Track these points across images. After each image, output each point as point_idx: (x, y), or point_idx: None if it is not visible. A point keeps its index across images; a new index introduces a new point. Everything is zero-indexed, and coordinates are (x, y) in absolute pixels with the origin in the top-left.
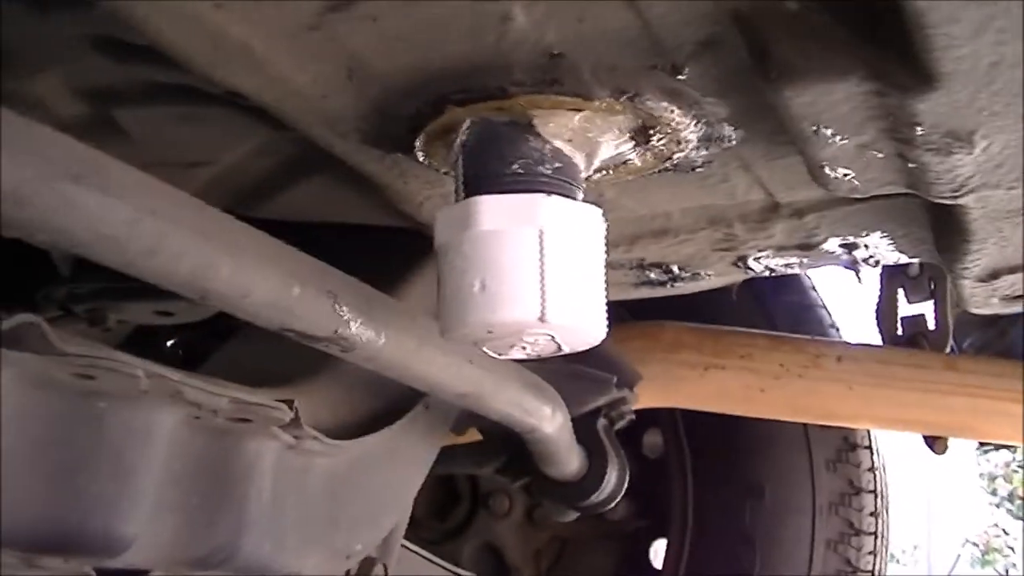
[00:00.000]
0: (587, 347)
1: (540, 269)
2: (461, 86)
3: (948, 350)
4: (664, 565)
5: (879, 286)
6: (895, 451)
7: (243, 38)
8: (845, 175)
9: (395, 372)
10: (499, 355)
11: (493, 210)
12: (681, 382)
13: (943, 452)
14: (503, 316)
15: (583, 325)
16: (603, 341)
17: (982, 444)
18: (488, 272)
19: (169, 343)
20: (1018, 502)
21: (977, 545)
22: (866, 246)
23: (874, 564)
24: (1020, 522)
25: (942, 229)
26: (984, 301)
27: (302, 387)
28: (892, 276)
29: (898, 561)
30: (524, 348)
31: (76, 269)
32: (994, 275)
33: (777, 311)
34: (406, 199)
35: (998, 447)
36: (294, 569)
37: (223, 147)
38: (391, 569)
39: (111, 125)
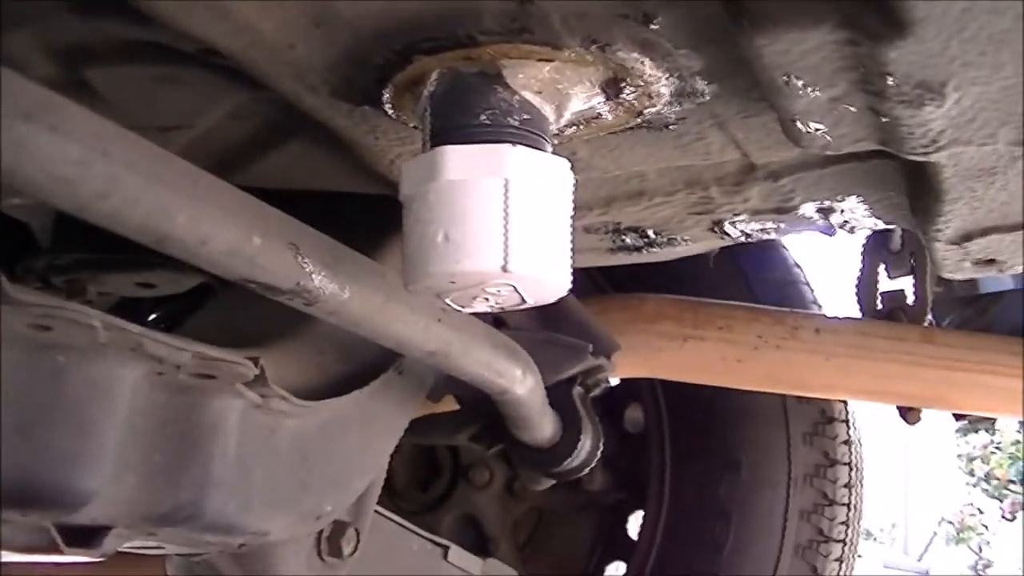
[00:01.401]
0: (551, 299)
1: (504, 220)
2: (430, 34)
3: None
4: (639, 536)
5: (860, 261)
6: (876, 432)
7: None
8: (817, 130)
9: (361, 328)
10: (463, 307)
11: (458, 160)
12: (661, 353)
13: (916, 422)
14: (466, 266)
15: (546, 276)
16: (581, 311)
17: (959, 418)
18: (452, 222)
19: (152, 316)
20: (994, 482)
21: (952, 524)
22: (842, 211)
23: (846, 534)
24: (995, 501)
25: (916, 191)
26: (956, 265)
27: (271, 347)
28: (873, 251)
29: (876, 539)
30: (487, 300)
31: (56, 240)
32: (967, 237)
33: (759, 287)
34: (377, 157)
35: (976, 429)
36: (261, 528)
37: (198, 110)
38: (364, 534)
39: (85, 87)
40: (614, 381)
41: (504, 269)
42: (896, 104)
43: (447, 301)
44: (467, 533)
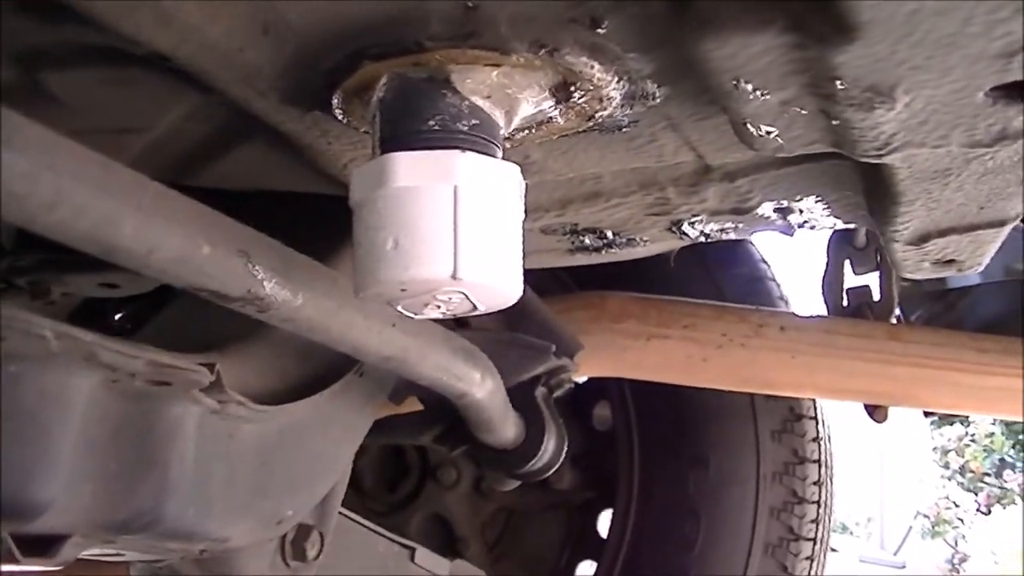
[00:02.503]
0: (503, 306)
1: (454, 226)
2: (377, 40)
3: (897, 322)
4: (609, 535)
5: (826, 257)
6: (850, 427)
7: None
8: (769, 132)
9: (315, 333)
10: (414, 314)
11: (407, 167)
12: (625, 352)
13: (883, 420)
14: (415, 274)
15: (497, 283)
16: (544, 310)
17: (928, 414)
18: (401, 229)
19: (117, 316)
20: (970, 475)
21: (928, 517)
22: (800, 210)
23: (816, 531)
24: (971, 495)
25: (872, 192)
26: (916, 266)
27: (230, 352)
28: (839, 247)
29: (852, 533)
30: (439, 307)
31: (19, 242)
32: (924, 238)
33: (726, 283)
34: (331, 161)
35: (951, 422)
36: (221, 534)
37: (155, 112)
38: (328, 536)
39: (42, 91)
40: (582, 379)
41: (454, 276)
42: (846, 107)
43: (398, 308)
44: (436, 533)
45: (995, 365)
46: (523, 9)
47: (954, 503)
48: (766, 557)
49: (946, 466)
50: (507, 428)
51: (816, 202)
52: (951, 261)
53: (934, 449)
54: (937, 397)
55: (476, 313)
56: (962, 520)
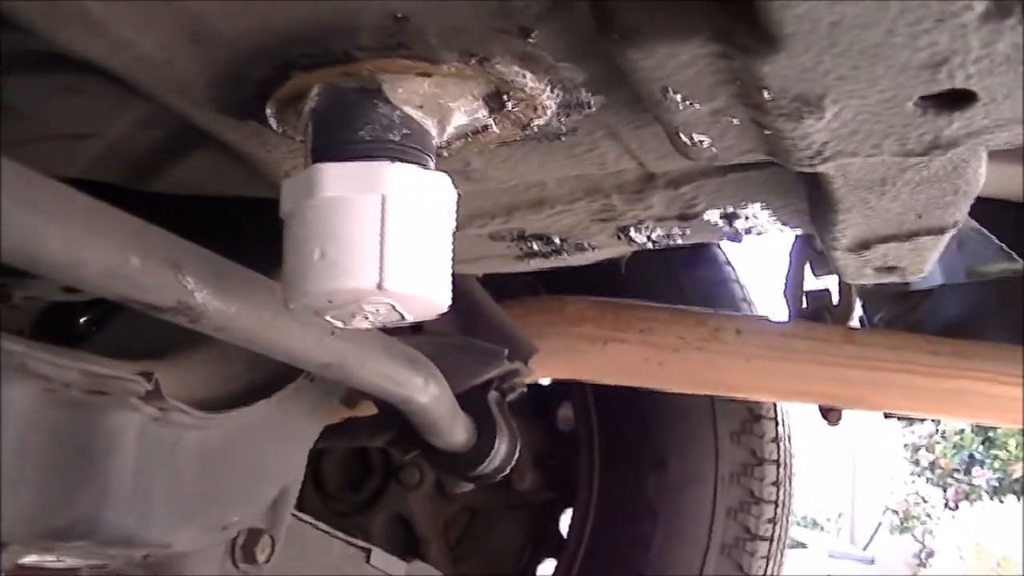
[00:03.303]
0: (431, 316)
1: (380, 237)
2: (307, 50)
3: (859, 324)
4: (569, 534)
5: (788, 260)
6: (821, 423)
7: (96, 11)
8: (702, 142)
9: (251, 343)
10: (343, 324)
11: (336, 177)
12: (583, 355)
13: (836, 423)
14: (341, 285)
15: (423, 294)
16: (500, 314)
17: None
18: (328, 240)
19: (82, 320)
20: (938, 471)
21: (897, 513)
22: (746, 217)
23: (774, 531)
24: (940, 490)
25: (812, 199)
26: (858, 272)
27: (175, 359)
28: (800, 250)
29: (822, 528)
30: (367, 317)
31: None
32: (864, 245)
33: (689, 286)
34: (272, 169)
35: (922, 419)
36: (162, 540)
37: (107, 119)
38: (280, 540)
39: None
40: (545, 382)
41: (379, 287)
42: (776, 117)
43: (327, 318)
44: (399, 534)
45: (949, 368)
46: (452, 19)
47: (923, 499)
48: (723, 557)
49: (916, 463)
50: (457, 432)
51: (762, 209)
52: (893, 268)
53: (904, 446)
54: (892, 400)
55: (404, 323)
56: (930, 516)
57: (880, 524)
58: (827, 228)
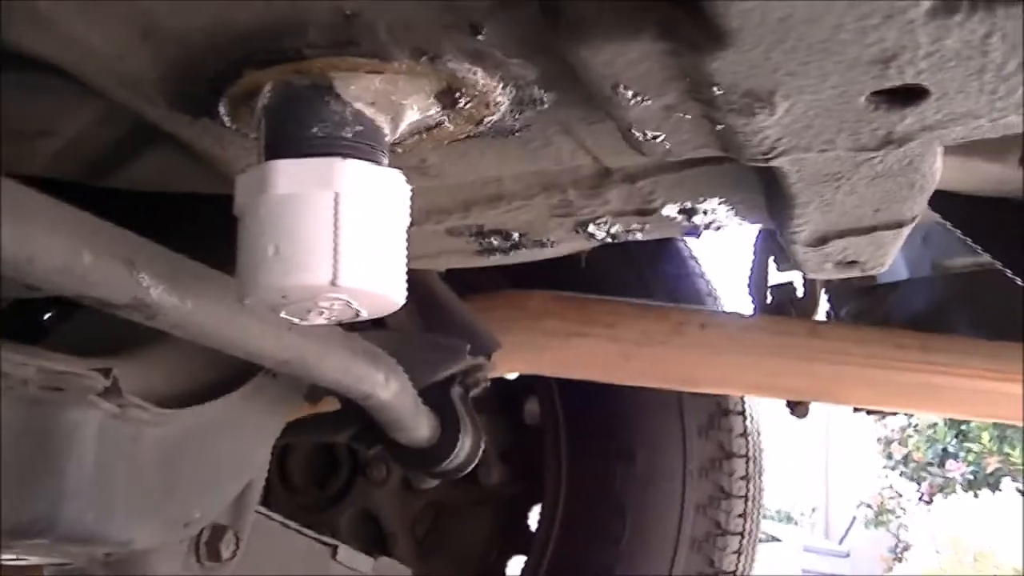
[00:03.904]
0: (387, 312)
1: (334, 233)
2: (258, 48)
3: (826, 317)
4: (538, 530)
5: (752, 254)
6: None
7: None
8: (655, 137)
9: (209, 339)
10: (298, 320)
11: (289, 174)
12: (546, 350)
13: (804, 416)
14: (295, 280)
15: (378, 290)
16: (463, 310)
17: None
18: (282, 236)
19: (46, 316)
20: (912, 465)
21: (871, 507)
22: (705, 211)
23: (744, 526)
24: (914, 484)
25: (769, 194)
26: (818, 266)
27: (136, 355)
28: (763, 244)
29: (797, 523)
30: (322, 313)
31: None
32: (823, 240)
33: (654, 280)
34: (228, 165)
35: (895, 412)
36: (124, 537)
37: (65, 116)
38: (244, 536)
39: None
40: (512, 376)
41: (333, 283)
42: (727, 113)
43: (281, 315)
44: (366, 529)
45: (915, 361)
46: (401, 16)
47: (897, 493)
48: (693, 552)
49: (889, 456)
50: (420, 428)
51: (720, 203)
52: (853, 262)
53: (878, 440)
54: (858, 394)
55: (360, 319)
56: (904, 509)
57: (855, 518)
58: (785, 223)
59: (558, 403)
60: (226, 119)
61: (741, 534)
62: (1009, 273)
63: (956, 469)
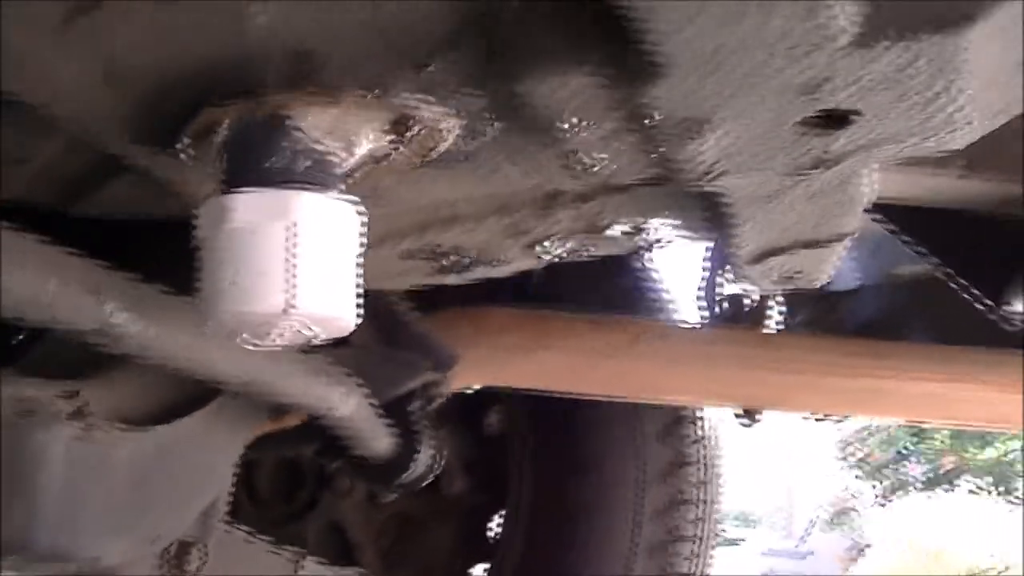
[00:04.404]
0: (341, 335)
1: (289, 262)
2: (215, 86)
3: (782, 326)
4: (500, 539)
5: (704, 266)
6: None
7: (10, 37)
8: (595, 164)
9: (173, 363)
10: (257, 344)
11: (246, 206)
12: (507, 364)
13: (755, 424)
14: (252, 307)
15: (331, 315)
16: (421, 326)
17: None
18: (240, 266)
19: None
20: (870, 465)
21: (830, 508)
22: (651, 229)
23: (700, 529)
24: (871, 484)
25: (711, 213)
26: (761, 280)
27: (101, 377)
28: (716, 257)
29: (757, 525)
30: (279, 337)
31: None
32: (764, 255)
33: (611, 292)
34: (191, 195)
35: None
36: (94, 554)
37: (35, 144)
38: (210, 550)
39: None
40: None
41: (287, 310)
42: (664, 140)
43: (241, 340)
44: (333, 541)
45: (864, 367)
46: (353, 53)
47: (855, 494)
48: (649, 556)
49: (848, 458)
50: (380, 442)
51: (665, 222)
52: (795, 275)
53: (837, 442)
54: (809, 400)
55: (316, 342)
56: (861, 510)
57: (814, 520)
58: (727, 241)
59: (519, 414)
60: (186, 152)
61: (695, 536)
62: (952, 280)
63: (913, 469)
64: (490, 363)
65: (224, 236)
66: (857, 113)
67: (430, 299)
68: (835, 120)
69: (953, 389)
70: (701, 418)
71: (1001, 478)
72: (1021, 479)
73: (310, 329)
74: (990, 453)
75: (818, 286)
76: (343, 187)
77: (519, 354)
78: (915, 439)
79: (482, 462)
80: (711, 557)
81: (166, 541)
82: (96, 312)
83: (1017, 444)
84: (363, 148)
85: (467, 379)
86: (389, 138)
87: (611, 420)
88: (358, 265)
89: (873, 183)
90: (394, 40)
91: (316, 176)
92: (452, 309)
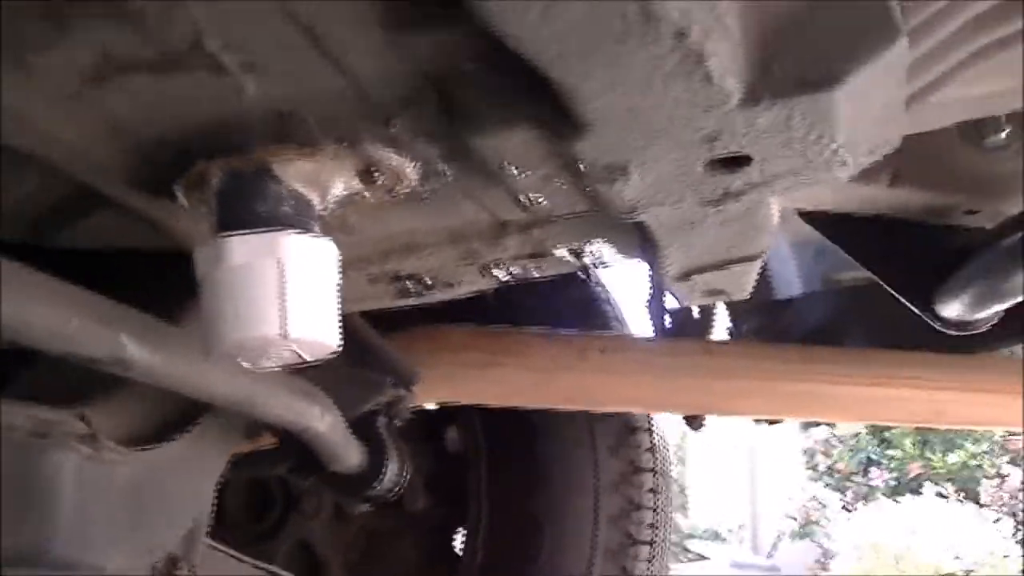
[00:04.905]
0: (325, 356)
1: (281, 294)
2: (210, 143)
3: (728, 335)
4: (463, 552)
5: (649, 281)
6: (721, 436)
7: (15, 102)
8: (538, 201)
9: (176, 386)
10: (254, 367)
11: (239, 247)
12: (465, 380)
13: (700, 428)
14: (251, 334)
15: (319, 338)
16: (384, 346)
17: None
18: (238, 299)
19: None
20: (836, 475)
21: (796, 519)
22: (591, 252)
23: (654, 534)
24: (837, 494)
25: (639, 238)
26: (688, 295)
27: (96, 401)
28: (657, 279)
29: (724, 539)
30: (272, 359)
31: None
32: (687, 274)
33: (561, 307)
34: (179, 234)
35: (817, 424)
36: (100, 565)
37: (15, 178)
38: (196, 565)
39: None
40: (432, 406)
41: (282, 335)
42: (592, 181)
43: (239, 363)
44: (301, 559)
45: (798, 372)
46: (327, 112)
47: (821, 504)
48: (607, 562)
49: (814, 468)
50: (351, 456)
51: (604, 244)
52: (717, 291)
53: (802, 452)
54: (749, 404)
55: (305, 363)
56: (829, 519)
57: (781, 532)
58: (654, 262)
59: (478, 429)
60: (180, 199)
61: (651, 543)
62: (884, 284)
63: (879, 477)
64: (450, 379)
65: (222, 273)
66: (749, 158)
67: (390, 320)
68: (734, 162)
69: (880, 391)
70: (653, 428)
71: (965, 482)
72: (983, 482)
73: (299, 353)
74: (954, 458)
75: (741, 298)
76: (319, 225)
77: (476, 370)
78: (881, 447)
79: (443, 478)
80: (666, 560)
81: (160, 554)
82: (112, 344)
83: (981, 448)
84: (336, 191)
85: (429, 395)
86: (357, 182)
87: (566, 432)
88: (337, 294)
89: (775, 211)
90: (363, 100)
91: (297, 218)
92: (411, 329)
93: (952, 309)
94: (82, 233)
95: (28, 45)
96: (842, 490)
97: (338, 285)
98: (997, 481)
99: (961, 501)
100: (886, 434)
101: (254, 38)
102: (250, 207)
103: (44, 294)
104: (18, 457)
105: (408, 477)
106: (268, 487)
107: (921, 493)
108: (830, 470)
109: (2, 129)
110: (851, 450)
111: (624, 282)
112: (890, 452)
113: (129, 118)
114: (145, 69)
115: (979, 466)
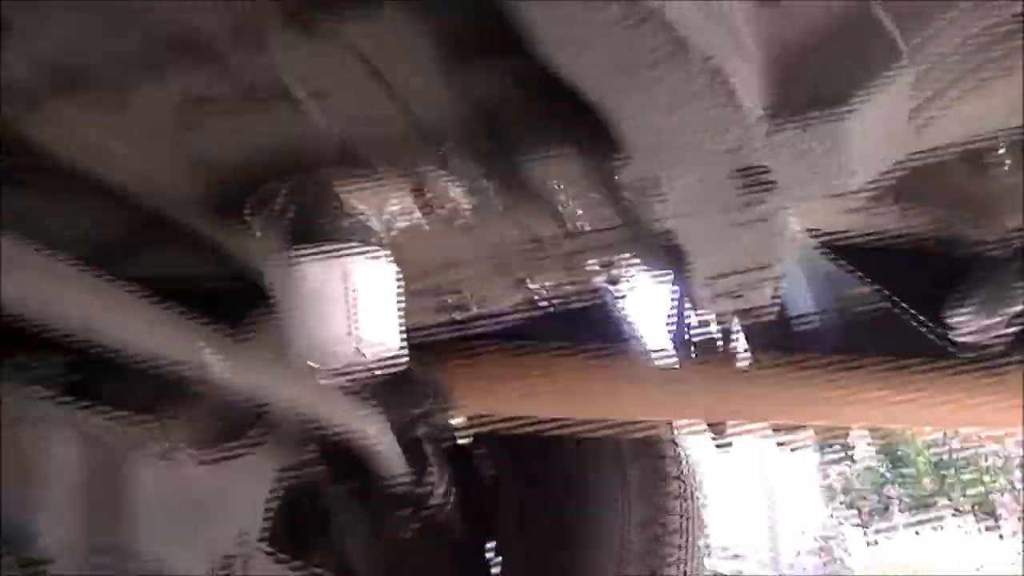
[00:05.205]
0: (387, 358)
1: (349, 303)
2: (281, 170)
3: (745, 351)
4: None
5: (671, 298)
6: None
7: (102, 140)
8: (578, 213)
9: (247, 394)
10: (323, 367)
11: (309, 259)
12: (490, 394)
13: (722, 434)
14: (324, 335)
15: (387, 341)
16: (418, 364)
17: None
18: (313, 308)
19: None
20: (852, 493)
21: (815, 538)
22: (620, 264)
23: (681, 539)
24: (854, 511)
25: (668, 247)
26: (710, 301)
27: (172, 410)
28: (682, 293)
29: (744, 559)
30: (341, 359)
31: None
32: (711, 280)
33: (580, 325)
34: (248, 256)
35: (831, 444)
36: (172, 561)
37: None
38: (252, 568)
39: None
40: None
41: (352, 338)
42: (628, 195)
43: (310, 364)
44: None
45: (818, 378)
46: (386, 140)
47: (839, 521)
48: (640, 564)
49: (829, 487)
50: (397, 465)
51: (632, 257)
52: (738, 296)
53: (818, 471)
54: (762, 410)
55: (371, 367)
56: (844, 536)
57: (799, 551)
58: (682, 269)
59: (504, 445)
60: (248, 219)
61: (680, 546)
62: (894, 302)
63: (894, 495)
64: (477, 394)
65: (296, 286)
66: (768, 170)
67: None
68: (754, 174)
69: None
70: (675, 437)
71: (981, 496)
72: (999, 497)
73: (366, 355)
74: (969, 477)
75: (762, 306)
76: (376, 241)
77: (502, 384)
78: (895, 466)
79: (472, 493)
80: (697, 562)
81: (221, 552)
82: (194, 354)
83: (997, 463)
84: (392, 211)
85: (460, 409)
86: (411, 202)
87: (593, 443)
88: (396, 302)
89: (792, 221)
90: (419, 129)
91: (358, 235)
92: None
93: (961, 319)
94: (147, 262)
95: (128, 86)
96: (858, 508)
97: (397, 294)
98: (1012, 495)
99: (976, 516)
100: (899, 452)
101: (326, 75)
102: (316, 224)
103: (140, 310)
104: (104, 461)
105: (453, 496)
106: (299, 503)
107: (937, 511)
108: (846, 490)
109: (88, 165)
110: (866, 470)
111: (645, 304)
112: (902, 469)
113: (212, 152)
114: (228, 107)
115: (994, 481)
